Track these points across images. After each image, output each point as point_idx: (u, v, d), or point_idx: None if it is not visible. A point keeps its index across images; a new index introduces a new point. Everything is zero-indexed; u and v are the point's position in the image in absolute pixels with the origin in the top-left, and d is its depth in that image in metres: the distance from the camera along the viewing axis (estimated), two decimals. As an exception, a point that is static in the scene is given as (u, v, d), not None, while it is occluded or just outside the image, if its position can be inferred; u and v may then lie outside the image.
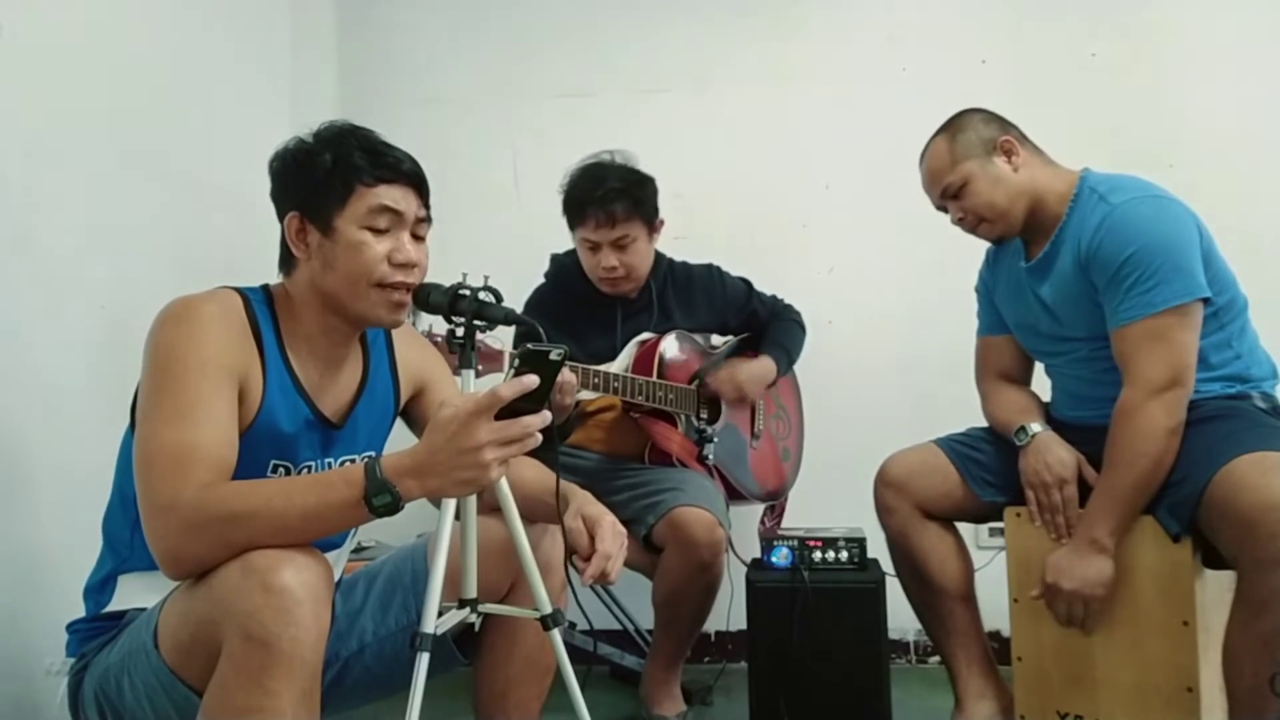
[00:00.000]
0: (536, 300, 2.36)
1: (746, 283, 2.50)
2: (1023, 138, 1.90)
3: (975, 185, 1.86)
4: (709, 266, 2.48)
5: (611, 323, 2.31)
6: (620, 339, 2.30)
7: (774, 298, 2.53)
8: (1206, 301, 1.73)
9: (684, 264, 2.46)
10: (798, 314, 2.53)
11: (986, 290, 2.09)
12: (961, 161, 1.87)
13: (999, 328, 2.06)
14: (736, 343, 2.52)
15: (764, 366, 2.37)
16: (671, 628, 2.16)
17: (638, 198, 2.21)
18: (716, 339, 2.49)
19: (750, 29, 2.89)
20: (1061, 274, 1.85)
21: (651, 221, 2.27)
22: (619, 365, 2.19)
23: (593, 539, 1.45)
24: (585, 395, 2.27)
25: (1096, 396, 1.84)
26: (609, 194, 2.17)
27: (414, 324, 1.63)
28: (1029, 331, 1.99)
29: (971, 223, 1.90)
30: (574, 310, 2.30)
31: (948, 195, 1.90)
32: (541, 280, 2.41)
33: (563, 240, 2.43)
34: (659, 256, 2.40)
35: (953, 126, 1.91)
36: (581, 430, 2.31)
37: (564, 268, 2.37)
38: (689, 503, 2.06)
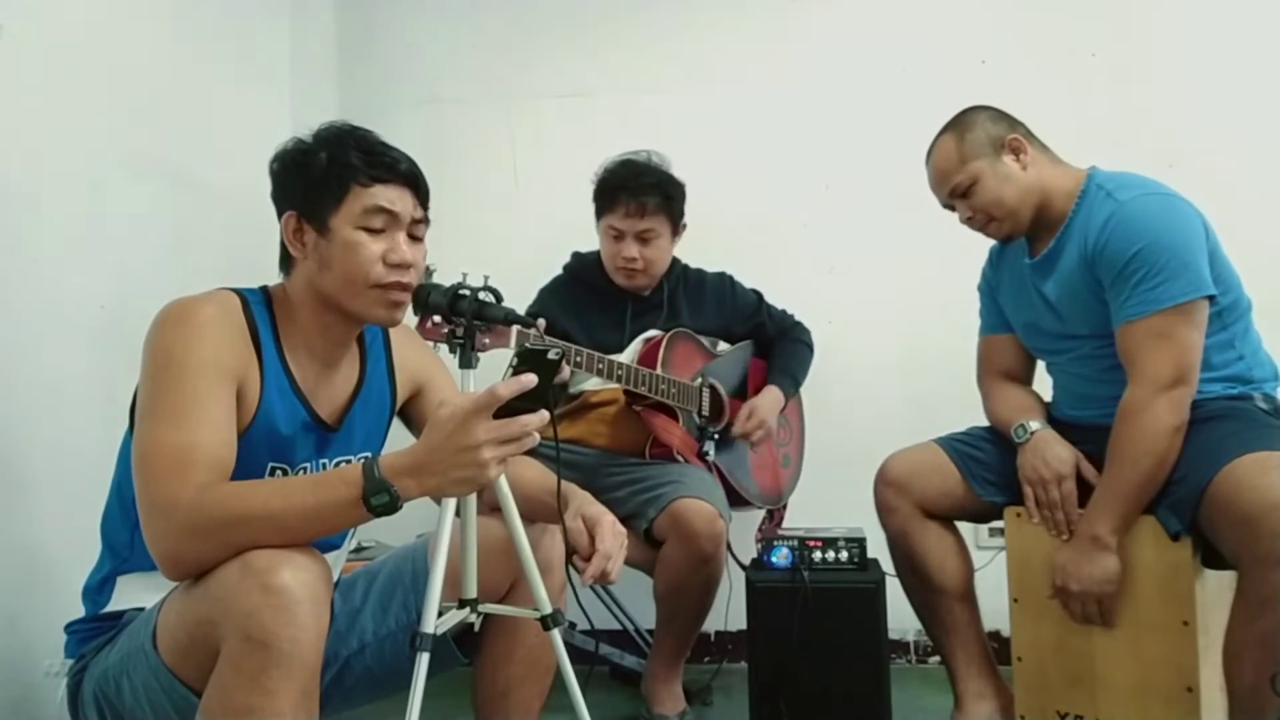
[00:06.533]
0: (551, 288, 2.41)
1: (758, 294, 2.52)
2: (1029, 135, 1.89)
3: (984, 184, 1.85)
4: (722, 274, 2.51)
5: (621, 318, 2.34)
6: (628, 334, 2.33)
7: (784, 313, 2.54)
8: (1211, 300, 1.72)
9: (698, 270, 2.50)
10: (806, 332, 2.54)
11: (989, 289, 2.08)
12: (970, 161, 1.85)
13: (1001, 327, 2.06)
14: (746, 347, 2.52)
15: (773, 398, 2.40)
16: (673, 623, 2.17)
17: (669, 194, 2.28)
18: (723, 345, 2.49)
19: (750, 29, 2.88)
20: (1066, 270, 1.84)
21: (676, 223, 2.33)
22: (625, 359, 2.20)
23: (593, 539, 1.46)
24: (591, 384, 2.29)
25: (1098, 395, 1.84)
26: (644, 186, 2.25)
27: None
28: (1032, 330, 1.98)
29: (981, 222, 1.89)
30: (585, 301, 2.35)
31: (956, 194, 1.89)
32: (552, 275, 2.44)
33: (562, 240, 2.44)
34: (674, 259, 2.43)
35: (960, 125, 1.89)
36: (583, 424, 2.32)
37: (582, 262, 2.43)
38: (689, 494, 2.07)
